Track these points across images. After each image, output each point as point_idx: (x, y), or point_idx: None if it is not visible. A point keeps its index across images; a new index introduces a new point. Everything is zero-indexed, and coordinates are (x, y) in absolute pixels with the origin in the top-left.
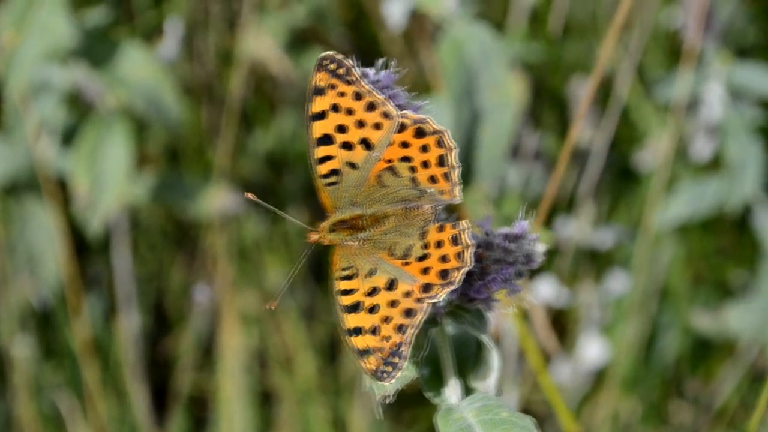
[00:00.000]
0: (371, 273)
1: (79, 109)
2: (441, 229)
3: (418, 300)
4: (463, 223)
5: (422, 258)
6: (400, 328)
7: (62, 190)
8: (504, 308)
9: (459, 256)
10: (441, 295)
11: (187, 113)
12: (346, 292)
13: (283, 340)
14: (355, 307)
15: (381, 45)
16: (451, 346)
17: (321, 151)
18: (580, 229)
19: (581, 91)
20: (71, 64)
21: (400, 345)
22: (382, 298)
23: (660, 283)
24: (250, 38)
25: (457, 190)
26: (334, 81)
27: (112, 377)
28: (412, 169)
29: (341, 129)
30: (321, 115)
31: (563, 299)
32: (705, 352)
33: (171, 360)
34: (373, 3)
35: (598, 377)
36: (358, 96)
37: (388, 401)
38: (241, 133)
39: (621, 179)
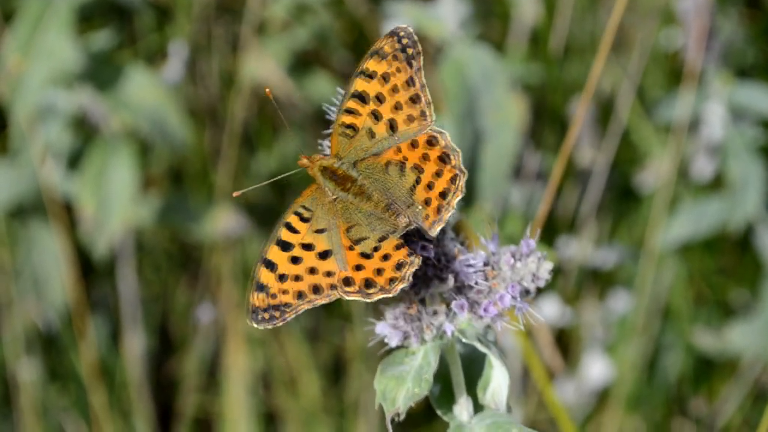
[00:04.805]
0: (319, 231)
1: (85, 133)
2: (398, 247)
3: (332, 286)
4: (416, 260)
5: (365, 256)
6: (300, 296)
7: (68, 214)
8: (512, 325)
9: (391, 281)
10: (351, 298)
11: (190, 136)
12: (290, 229)
13: (287, 361)
14: (285, 246)
15: None
16: (461, 363)
17: (351, 103)
18: (582, 249)
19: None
20: (76, 87)
21: (288, 307)
22: (310, 259)
23: (662, 303)
24: (252, 61)
25: (437, 228)
26: (398, 54)
27: (117, 399)
28: (417, 181)
29: (378, 99)
30: (369, 75)
31: (566, 318)
32: (708, 371)
33: (176, 381)
34: (373, 26)
35: (602, 396)
36: (410, 82)
37: (398, 419)
38: (244, 155)
39: (622, 200)
